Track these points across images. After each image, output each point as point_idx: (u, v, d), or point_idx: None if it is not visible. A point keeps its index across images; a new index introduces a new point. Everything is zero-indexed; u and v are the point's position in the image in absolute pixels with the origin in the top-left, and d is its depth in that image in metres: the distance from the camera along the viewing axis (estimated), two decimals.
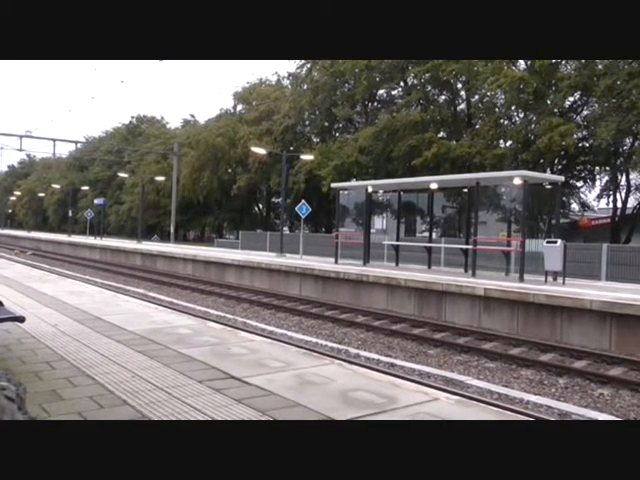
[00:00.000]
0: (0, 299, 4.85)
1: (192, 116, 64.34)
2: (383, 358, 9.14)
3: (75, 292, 8.94)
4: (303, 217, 22.58)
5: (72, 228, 55.17)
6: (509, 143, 27.74)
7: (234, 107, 52.41)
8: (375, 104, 38.17)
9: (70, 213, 53.36)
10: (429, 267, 17.73)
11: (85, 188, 61.98)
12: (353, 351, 9.58)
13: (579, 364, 8.80)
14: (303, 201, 22.66)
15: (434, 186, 17.04)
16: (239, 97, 50.37)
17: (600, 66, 23.96)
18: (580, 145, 26.10)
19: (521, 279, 13.70)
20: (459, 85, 31.47)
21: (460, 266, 16.93)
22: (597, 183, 29.86)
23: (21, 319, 4.31)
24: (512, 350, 9.68)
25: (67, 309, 7.06)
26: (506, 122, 28.32)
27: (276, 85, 48.83)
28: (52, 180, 72.92)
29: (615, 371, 8.41)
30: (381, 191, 23.01)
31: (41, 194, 75.41)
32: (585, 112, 27.29)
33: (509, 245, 15.98)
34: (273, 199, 50.80)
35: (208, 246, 38.60)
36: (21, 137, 33.48)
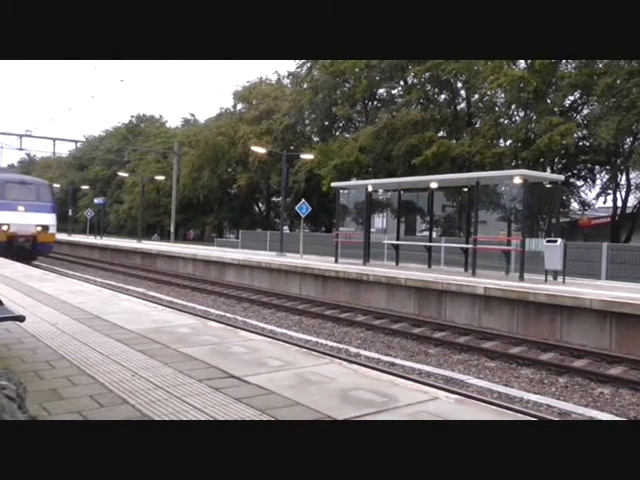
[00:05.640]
0: (0, 298, 4.85)
1: (192, 115, 64.63)
2: (383, 357, 9.15)
3: (75, 291, 8.94)
4: (303, 216, 22.59)
5: (72, 227, 55.17)
6: (509, 142, 27.75)
7: (234, 106, 52.40)
8: (375, 103, 38.17)
9: (70, 212, 53.35)
10: (429, 266, 17.74)
11: (85, 187, 61.99)
12: (353, 350, 9.59)
13: (579, 363, 8.80)
14: (303, 200, 22.67)
15: (434, 185, 17.04)
16: (239, 96, 50.35)
17: (600, 65, 23.97)
18: (580, 144, 26.11)
19: (521, 278, 13.70)
20: (459, 84, 31.48)
21: (460, 265, 16.95)
22: (597, 182, 29.90)
23: (21, 318, 4.31)
24: (512, 349, 9.69)
25: (67, 308, 7.06)
26: (506, 121, 28.33)
27: (276, 84, 48.84)
28: (52, 179, 72.78)
29: (615, 370, 8.42)
30: (381, 190, 23.01)
31: None
32: (585, 111, 27.30)
33: (509, 244, 15.99)
34: (273, 198, 50.83)
35: (208, 245, 38.60)
36: (21, 136, 33.49)
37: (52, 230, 24.10)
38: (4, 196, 22.75)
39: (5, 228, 22.19)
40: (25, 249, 22.68)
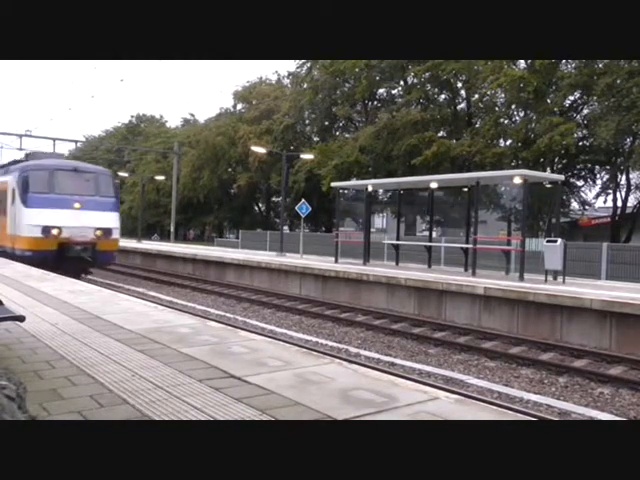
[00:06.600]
0: (0, 298, 4.85)
1: (192, 115, 64.43)
2: (383, 357, 9.15)
3: (75, 291, 8.94)
4: (303, 216, 22.60)
5: None
6: (509, 142, 27.75)
7: (234, 106, 52.45)
8: (375, 103, 38.18)
9: None
10: (429, 266, 17.74)
11: None
12: (353, 350, 9.59)
13: (579, 363, 8.81)
14: (303, 200, 22.68)
15: (434, 185, 17.05)
16: (239, 96, 50.39)
17: (600, 65, 23.96)
18: (580, 144, 26.10)
19: (521, 278, 13.70)
20: (459, 84, 31.48)
21: (460, 265, 16.95)
22: (597, 182, 29.91)
23: (21, 318, 4.31)
24: (512, 349, 9.69)
25: (67, 308, 7.05)
26: (506, 121, 28.32)
27: (276, 84, 48.88)
28: None
29: (615, 370, 8.42)
30: (381, 190, 23.02)
31: None
32: (585, 111, 27.30)
33: (509, 244, 16.00)
34: (273, 198, 50.86)
35: (208, 245, 38.60)
36: (21, 136, 33.41)
37: (115, 234, 18.22)
38: (54, 189, 17.09)
39: (55, 232, 16.58)
40: (82, 259, 17.20)
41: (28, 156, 21.28)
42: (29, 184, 16.94)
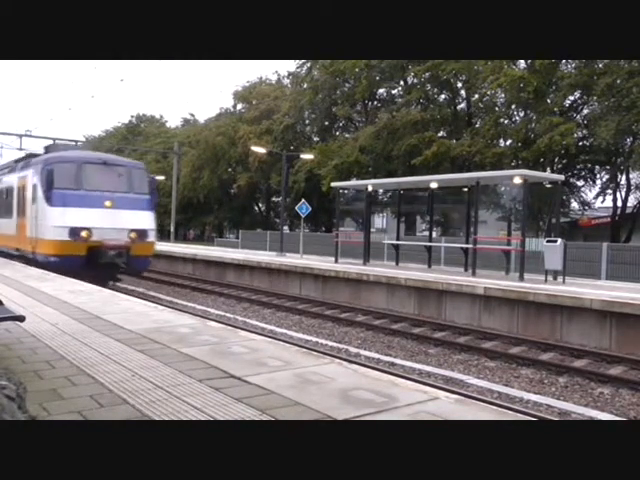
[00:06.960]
0: (0, 298, 4.85)
1: (192, 115, 64.34)
2: (383, 357, 9.15)
3: (75, 291, 8.94)
4: (303, 216, 22.60)
5: None
6: (509, 142, 27.75)
7: (234, 106, 52.44)
8: (375, 103, 38.17)
9: None
10: (429, 266, 17.74)
11: None
12: (353, 350, 9.59)
13: (579, 363, 8.81)
14: (303, 200, 22.67)
15: (434, 185, 17.04)
16: (239, 96, 50.38)
17: (600, 65, 23.95)
18: (580, 144, 26.10)
19: (521, 278, 13.70)
20: (459, 84, 31.46)
21: (460, 265, 16.95)
22: (597, 182, 29.91)
23: (21, 318, 4.31)
24: (512, 349, 9.69)
25: (67, 308, 7.05)
26: (506, 121, 28.31)
27: (276, 84, 48.86)
28: None
29: (615, 370, 8.42)
30: (381, 190, 23.00)
31: None
32: (585, 111, 27.29)
33: (509, 244, 16.00)
34: (273, 198, 50.84)
35: (208, 245, 38.60)
36: (21, 136, 33.36)
37: (151, 237, 15.87)
38: (82, 185, 14.80)
39: (84, 234, 14.33)
40: (114, 266, 15.03)
41: (48, 148, 19.11)
42: (54, 179, 14.66)
